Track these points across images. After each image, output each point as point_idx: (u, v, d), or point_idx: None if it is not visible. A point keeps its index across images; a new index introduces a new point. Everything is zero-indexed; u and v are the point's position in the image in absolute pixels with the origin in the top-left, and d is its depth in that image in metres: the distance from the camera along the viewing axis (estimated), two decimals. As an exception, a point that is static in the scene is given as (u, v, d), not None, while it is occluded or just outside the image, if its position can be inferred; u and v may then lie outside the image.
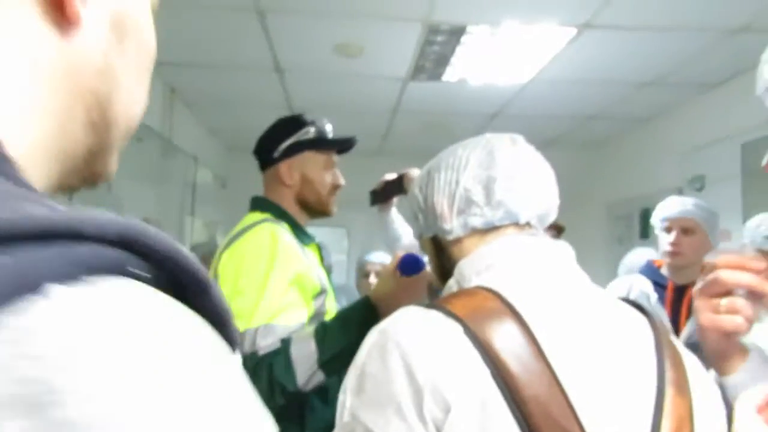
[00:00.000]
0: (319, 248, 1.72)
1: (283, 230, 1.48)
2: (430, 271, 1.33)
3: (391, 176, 2.53)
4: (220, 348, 0.25)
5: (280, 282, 1.36)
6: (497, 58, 3.01)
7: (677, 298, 2.11)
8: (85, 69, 0.33)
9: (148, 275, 0.24)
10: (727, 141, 3.22)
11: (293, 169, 1.58)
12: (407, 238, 2.20)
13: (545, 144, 4.84)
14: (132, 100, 0.38)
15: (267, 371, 1.27)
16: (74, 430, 0.18)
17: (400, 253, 1.37)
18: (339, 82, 3.42)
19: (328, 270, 3.80)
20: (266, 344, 1.28)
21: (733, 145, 3.16)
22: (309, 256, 1.54)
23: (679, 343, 0.80)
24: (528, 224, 0.85)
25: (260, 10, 2.49)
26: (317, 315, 1.43)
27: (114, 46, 0.35)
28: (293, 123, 1.60)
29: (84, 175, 0.37)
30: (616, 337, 0.74)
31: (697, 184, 3.47)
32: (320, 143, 1.60)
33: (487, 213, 0.83)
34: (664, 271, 2.17)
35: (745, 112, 3.12)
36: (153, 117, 3.18)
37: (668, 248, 2.05)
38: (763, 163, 0.79)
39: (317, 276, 1.49)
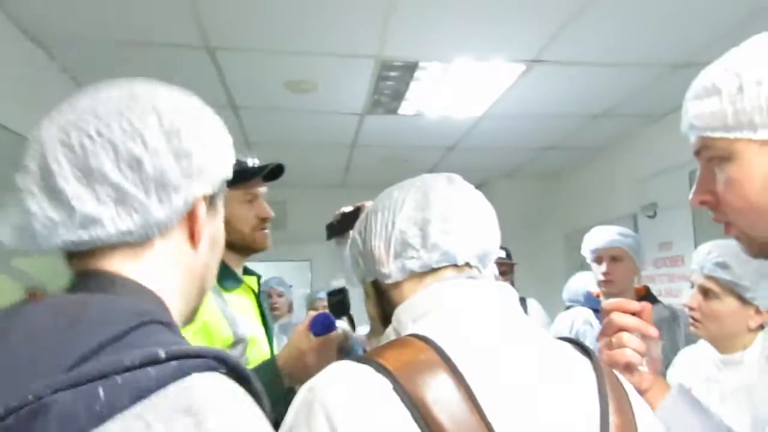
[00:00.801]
0: (257, 289, 1.65)
1: None
2: (341, 332, 1.35)
3: (347, 209, 2.52)
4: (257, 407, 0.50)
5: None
6: (451, 92, 3.04)
7: None
8: (198, 266, 0.65)
9: (226, 371, 0.51)
10: (676, 169, 3.31)
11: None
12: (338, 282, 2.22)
13: (503, 175, 4.92)
14: (213, 276, 0.71)
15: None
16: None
17: (312, 313, 1.35)
18: (295, 118, 3.41)
19: (290, 307, 3.71)
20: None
21: (682, 173, 3.24)
22: (234, 301, 1.47)
23: (626, 383, 0.78)
24: (467, 265, 0.82)
25: (210, 47, 2.47)
26: None
27: (209, 251, 0.68)
28: None
29: (189, 320, 0.68)
30: (557, 386, 0.71)
31: (650, 211, 3.55)
32: (233, 180, 1.55)
33: (423, 255, 0.80)
34: (602, 298, 2.22)
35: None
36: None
37: (601, 278, 2.13)
38: (690, 196, 0.81)
39: (234, 324, 1.40)
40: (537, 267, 4.73)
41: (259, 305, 1.63)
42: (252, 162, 1.54)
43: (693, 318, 1.46)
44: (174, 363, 0.46)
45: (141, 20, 2.23)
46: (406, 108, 3.24)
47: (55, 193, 0.54)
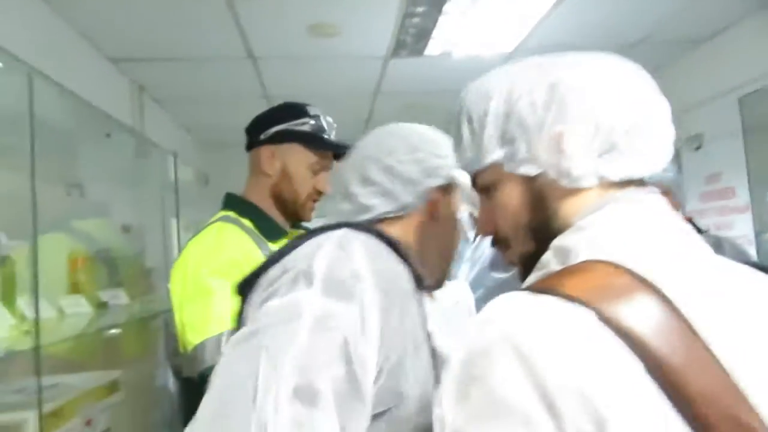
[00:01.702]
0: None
1: (235, 228, 1.35)
2: None
3: None
4: None
5: (228, 285, 1.24)
6: (480, 27, 2.86)
7: None
8: (436, 234, 1.01)
9: None
10: (722, 96, 3.12)
11: (276, 158, 1.45)
12: None
13: None
14: (454, 244, 1.06)
15: None
16: None
17: None
18: (316, 66, 3.26)
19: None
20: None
21: (730, 100, 3.06)
22: None
23: None
24: (642, 181, 0.67)
25: (227, -8, 2.32)
26: None
27: (443, 224, 1.01)
28: (291, 110, 1.47)
29: (442, 276, 1.03)
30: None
31: (695, 143, 3.38)
32: (313, 140, 1.46)
33: (628, 160, 0.64)
34: None
35: (739, 65, 3.01)
36: (123, 118, 2.99)
37: None
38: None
39: None
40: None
41: None
42: (330, 133, 1.49)
43: None
44: None
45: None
46: (432, 48, 3.07)
47: (348, 195, 0.96)
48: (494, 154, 0.69)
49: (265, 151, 1.45)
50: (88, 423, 1.38)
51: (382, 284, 0.77)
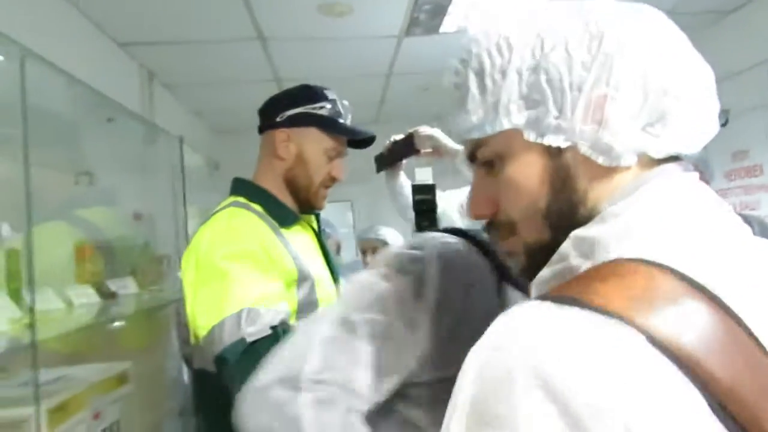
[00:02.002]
0: (317, 227, 1.53)
1: (248, 213, 1.31)
2: None
3: (398, 137, 2.31)
4: None
5: (245, 269, 1.18)
6: (498, 1, 2.76)
7: None
8: None
9: None
10: (750, 70, 2.99)
11: (291, 141, 1.40)
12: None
13: None
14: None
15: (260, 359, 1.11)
16: None
17: None
18: (328, 46, 3.17)
19: (338, 249, 3.59)
20: (254, 330, 1.09)
21: (758, 73, 2.92)
22: (294, 239, 1.36)
23: None
24: (678, 158, 0.57)
25: (234, -30, 2.24)
26: (305, 305, 1.25)
27: None
28: (308, 92, 1.41)
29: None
30: None
31: (721, 119, 3.24)
32: (330, 125, 1.40)
33: (669, 135, 0.54)
34: None
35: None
36: (132, 104, 2.95)
37: None
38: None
39: (298, 260, 1.30)
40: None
41: (321, 243, 1.50)
42: (347, 118, 1.45)
43: None
44: None
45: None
46: (448, 25, 2.97)
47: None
48: (513, 117, 0.55)
49: (280, 134, 1.39)
50: (96, 416, 1.34)
51: None
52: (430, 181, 1.43)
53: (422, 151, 2.27)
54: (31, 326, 1.12)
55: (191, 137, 3.50)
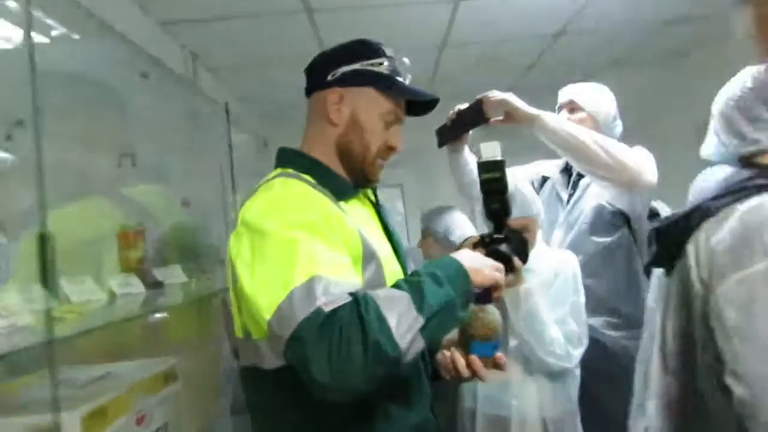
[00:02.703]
0: (375, 197, 1.33)
1: (301, 183, 1.14)
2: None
3: (462, 106, 2.08)
4: None
5: (309, 237, 0.99)
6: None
7: None
8: None
9: None
10: None
11: (344, 104, 1.21)
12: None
13: (612, 62, 4.24)
14: None
15: (353, 326, 0.89)
16: None
17: None
18: (378, 18, 2.96)
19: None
20: (331, 298, 0.91)
21: None
22: (353, 213, 1.18)
23: None
24: None
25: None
26: (372, 287, 1.06)
27: None
28: (364, 47, 1.23)
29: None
30: None
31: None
32: (390, 83, 1.21)
33: None
34: None
35: None
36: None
37: None
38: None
39: (362, 236, 1.12)
40: (663, 166, 4.13)
41: (382, 219, 1.30)
42: (406, 78, 1.27)
43: None
44: None
45: None
46: (509, -15, 2.71)
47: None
48: None
49: (332, 94, 1.21)
50: (140, 420, 1.18)
51: None
52: (499, 157, 1.23)
53: (492, 119, 2.04)
54: (47, 323, 0.96)
55: (237, 121, 3.35)
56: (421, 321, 0.93)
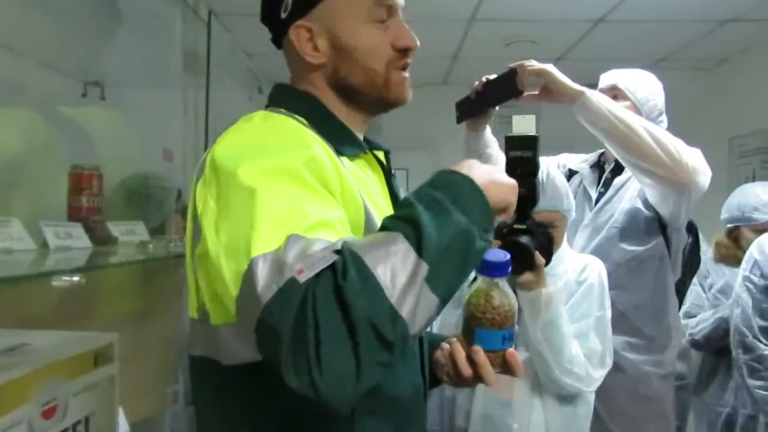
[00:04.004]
0: (386, 161, 1.04)
1: (290, 121, 0.87)
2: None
3: (491, 76, 1.79)
4: None
5: (288, 186, 0.73)
6: None
7: None
8: None
9: None
10: None
11: (318, 33, 0.92)
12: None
13: (648, 65, 3.90)
14: None
15: (329, 305, 0.63)
16: None
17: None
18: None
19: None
20: (310, 262, 0.64)
21: None
22: (360, 176, 0.91)
23: None
24: None
25: None
26: None
27: None
28: None
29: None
30: None
31: None
32: None
33: None
34: None
35: None
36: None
37: None
38: None
39: (364, 202, 0.85)
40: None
41: (391, 187, 1.02)
42: None
43: None
44: None
45: None
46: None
47: None
48: None
49: (297, 32, 0.92)
50: (50, 412, 0.90)
51: None
52: (533, 132, 0.98)
53: (526, 93, 1.76)
54: None
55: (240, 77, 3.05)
56: (425, 268, 0.66)
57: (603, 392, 1.74)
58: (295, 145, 0.78)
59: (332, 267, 0.64)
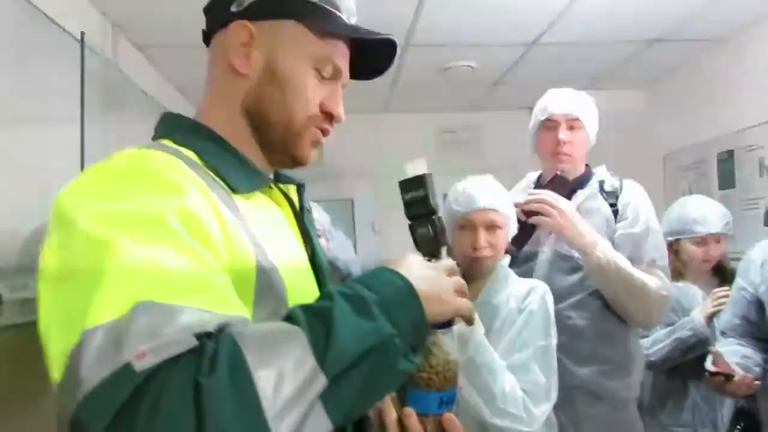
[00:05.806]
0: (298, 196, 0.95)
1: (168, 156, 0.73)
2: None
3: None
4: None
5: (148, 239, 0.59)
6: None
7: None
8: None
9: None
10: None
11: (257, 46, 0.82)
12: None
13: (583, 86, 3.96)
14: None
15: (182, 401, 0.48)
16: None
17: None
18: None
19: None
20: (158, 343, 0.50)
21: None
22: (258, 214, 0.80)
23: None
24: None
25: None
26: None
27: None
28: None
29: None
30: None
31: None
32: (322, 14, 0.83)
33: None
34: None
35: None
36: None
37: None
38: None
39: (256, 245, 0.74)
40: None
41: (300, 223, 0.91)
42: (348, 17, 0.88)
43: None
44: None
45: None
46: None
47: None
48: None
49: (237, 30, 0.82)
50: None
51: None
52: (424, 171, 0.98)
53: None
54: None
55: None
56: (322, 381, 0.54)
57: (587, 423, 1.76)
58: (161, 190, 0.65)
59: (198, 354, 0.51)
